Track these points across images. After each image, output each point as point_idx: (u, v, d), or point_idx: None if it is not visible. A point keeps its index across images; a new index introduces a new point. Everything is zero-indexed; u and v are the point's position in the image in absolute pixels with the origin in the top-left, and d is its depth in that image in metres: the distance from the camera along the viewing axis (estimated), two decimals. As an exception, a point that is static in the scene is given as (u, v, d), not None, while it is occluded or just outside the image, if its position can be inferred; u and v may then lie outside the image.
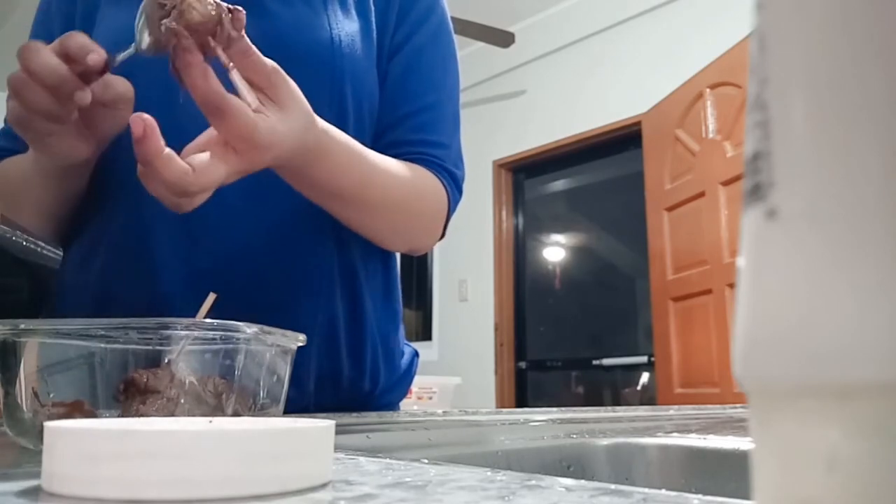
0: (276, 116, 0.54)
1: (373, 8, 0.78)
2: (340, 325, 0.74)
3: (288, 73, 0.70)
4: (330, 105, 0.71)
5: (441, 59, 0.82)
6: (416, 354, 0.86)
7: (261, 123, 0.52)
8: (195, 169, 0.50)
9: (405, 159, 0.74)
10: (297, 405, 0.68)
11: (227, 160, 0.52)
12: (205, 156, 0.51)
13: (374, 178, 0.68)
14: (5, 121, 0.73)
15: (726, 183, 2.54)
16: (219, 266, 0.68)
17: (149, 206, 0.68)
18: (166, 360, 0.38)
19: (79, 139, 0.59)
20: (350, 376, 0.75)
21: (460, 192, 0.80)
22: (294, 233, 0.72)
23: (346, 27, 0.75)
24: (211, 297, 0.45)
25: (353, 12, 0.77)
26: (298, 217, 0.71)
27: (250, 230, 0.70)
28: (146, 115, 0.48)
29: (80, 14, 0.75)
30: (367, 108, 0.76)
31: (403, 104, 0.78)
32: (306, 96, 0.70)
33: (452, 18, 0.86)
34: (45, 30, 0.76)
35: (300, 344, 0.45)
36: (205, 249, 0.68)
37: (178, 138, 0.52)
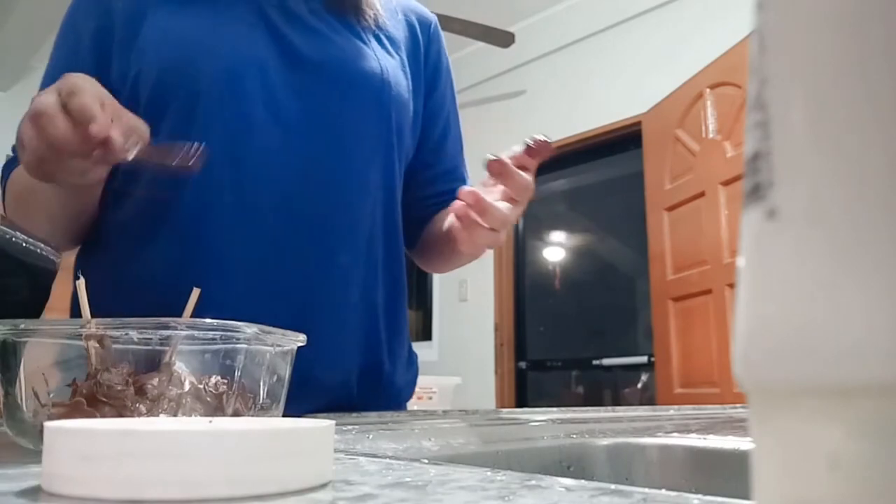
0: None
1: (403, 49, 0.84)
2: (382, 320, 0.78)
3: (345, 97, 0.76)
4: (378, 128, 0.77)
5: (457, 114, 0.94)
6: (415, 356, 0.88)
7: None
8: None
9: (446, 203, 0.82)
10: (341, 404, 0.72)
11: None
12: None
13: None
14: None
15: (726, 183, 2.54)
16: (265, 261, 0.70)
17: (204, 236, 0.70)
18: (165, 360, 0.38)
19: (94, 166, 0.58)
20: (388, 371, 0.78)
21: None
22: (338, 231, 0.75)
23: (389, 61, 0.81)
24: (195, 293, 0.45)
25: (391, 49, 0.83)
26: (342, 219, 0.75)
27: (289, 227, 0.72)
28: None
29: (122, 13, 0.73)
30: (408, 135, 0.82)
31: (442, 162, 0.90)
32: (359, 120, 0.77)
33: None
34: (74, 34, 0.75)
35: (300, 344, 0.45)
36: (246, 241, 0.70)
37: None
